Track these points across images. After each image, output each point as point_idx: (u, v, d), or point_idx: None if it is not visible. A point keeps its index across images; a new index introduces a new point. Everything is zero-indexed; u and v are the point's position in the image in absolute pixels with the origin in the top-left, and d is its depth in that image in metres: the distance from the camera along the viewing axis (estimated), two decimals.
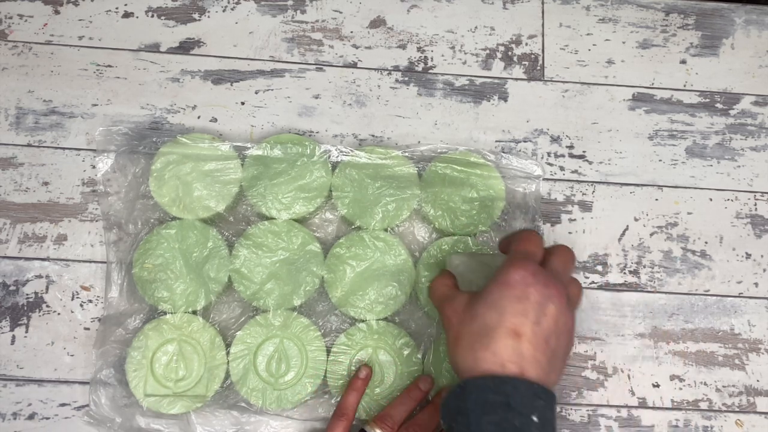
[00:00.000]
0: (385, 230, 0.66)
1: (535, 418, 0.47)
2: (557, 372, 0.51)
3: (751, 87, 0.75)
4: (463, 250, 0.65)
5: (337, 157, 0.67)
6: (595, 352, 0.67)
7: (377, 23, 0.74)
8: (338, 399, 0.62)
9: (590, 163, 0.72)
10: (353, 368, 0.63)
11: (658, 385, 0.67)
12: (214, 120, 0.70)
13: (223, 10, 0.73)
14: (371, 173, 0.67)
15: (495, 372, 0.48)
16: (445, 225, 0.66)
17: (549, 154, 0.71)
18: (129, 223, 0.65)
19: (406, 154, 0.68)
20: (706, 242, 0.70)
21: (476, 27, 0.74)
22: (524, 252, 0.53)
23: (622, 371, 0.67)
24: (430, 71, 0.73)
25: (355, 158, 0.67)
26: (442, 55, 0.74)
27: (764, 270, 0.70)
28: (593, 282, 0.69)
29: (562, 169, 0.71)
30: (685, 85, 0.74)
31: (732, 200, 0.72)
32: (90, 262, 0.66)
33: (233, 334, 0.64)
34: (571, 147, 0.72)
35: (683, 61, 0.75)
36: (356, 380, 0.61)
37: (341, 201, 0.66)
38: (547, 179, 0.71)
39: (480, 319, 0.50)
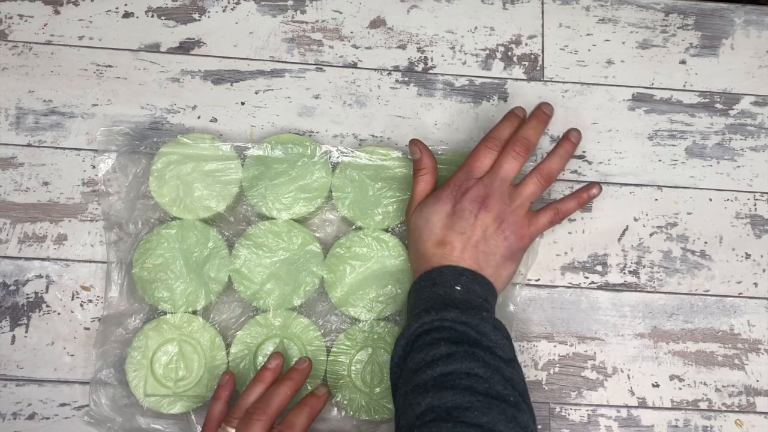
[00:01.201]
0: (385, 230, 0.66)
1: (458, 287, 0.57)
2: (495, 268, 0.59)
3: (751, 87, 0.75)
4: None
5: (338, 158, 0.67)
6: (595, 352, 0.67)
7: (377, 23, 0.74)
8: (338, 399, 0.62)
9: (590, 163, 0.72)
10: (353, 368, 0.63)
11: (657, 385, 0.67)
12: (214, 120, 0.70)
13: (223, 10, 0.73)
14: (372, 174, 0.67)
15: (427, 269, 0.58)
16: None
17: None
18: (129, 222, 0.65)
19: (408, 156, 0.68)
20: (705, 242, 0.70)
21: (476, 27, 0.75)
22: (467, 168, 0.61)
23: (622, 371, 0.67)
24: (430, 71, 0.73)
25: (356, 159, 0.67)
26: (442, 56, 0.74)
27: (764, 270, 0.70)
28: (593, 282, 0.69)
29: None
30: (684, 86, 0.74)
31: (732, 200, 0.72)
32: (90, 262, 0.66)
33: (233, 334, 0.64)
34: None
35: (683, 62, 0.75)
36: (218, 389, 0.59)
37: (341, 202, 0.66)
38: None
39: (417, 232, 0.60)
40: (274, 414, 0.56)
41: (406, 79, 0.73)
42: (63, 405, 0.63)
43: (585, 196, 0.64)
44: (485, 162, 0.61)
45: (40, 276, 0.66)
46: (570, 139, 0.64)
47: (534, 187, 0.61)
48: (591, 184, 0.64)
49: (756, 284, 0.70)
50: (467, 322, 0.54)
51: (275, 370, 0.59)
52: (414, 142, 0.63)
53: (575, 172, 0.71)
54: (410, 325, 0.56)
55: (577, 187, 0.71)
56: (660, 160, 0.72)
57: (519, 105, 0.66)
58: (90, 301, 0.65)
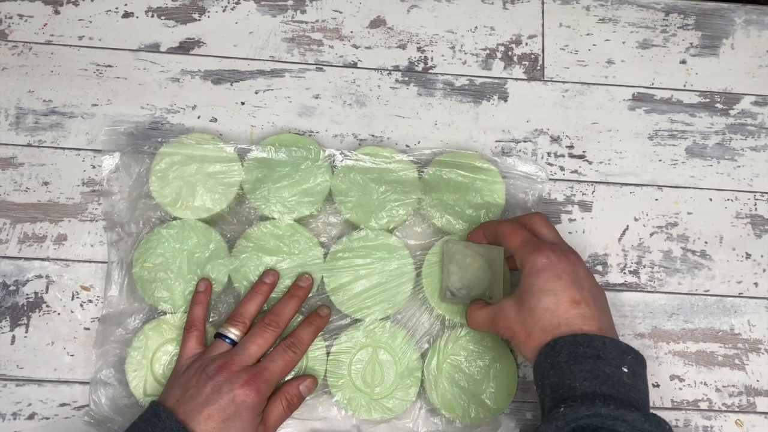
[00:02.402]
0: (386, 230, 0.66)
1: (625, 369, 0.51)
2: (610, 318, 0.56)
3: (751, 87, 0.75)
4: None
5: (342, 161, 0.67)
6: None
7: (377, 23, 0.74)
8: (338, 399, 0.62)
9: (590, 163, 0.72)
10: (353, 368, 0.63)
11: (658, 385, 0.67)
12: (214, 120, 0.70)
13: (223, 10, 0.73)
14: (376, 177, 0.66)
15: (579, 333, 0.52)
16: (450, 228, 0.66)
17: (549, 154, 0.71)
18: (131, 222, 0.65)
19: (411, 157, 0.68)
20: (706, 242, 0.70)
21: (476, 27, 0.75)
22: (524, 240, 0.57)
23: None
24: (430, 71, 0.73)
25: (360, 162, 0.67)
26: (442, 55, 0.74)
27: (764, 270, 0.70)
28: None
29: (562, 169, 0.71)
30: (685, 85, 0.74)
31: (732, 200, 0.72)
32: (90, 262, 0.66)
33: None
34: (571, 147, 0.72)
35: (683, 61, 0.75)
36: (197, 294, 0.62)
37: (345, 205, 0.66)
38: (548, 180, 0.71)
39: (539, 308, 0.54)
40: (284, 325, 0.60)
41: (406, 78, 0.73)
42: (63, 405, 0.63)
43: None
44: (524, 231, 0.59)
45: (40, 276, 0.66)
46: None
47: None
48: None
49: (756, 284, 0.70)
50: (649, 430, 0.48)
51: (272, 284, 0.62)
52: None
53: (575, 172, 0.71)
54: (575, 406, 0.48)
55: (577, 187, 0.71)
56: (660, 160, 0.72)
57: None
58: (90, 301, 0.65)
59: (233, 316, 0.60)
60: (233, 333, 0.59)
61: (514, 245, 0.58)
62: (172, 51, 0.72)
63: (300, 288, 0.63)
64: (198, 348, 0.60)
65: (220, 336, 0.60)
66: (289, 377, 0.62)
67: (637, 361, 0.52)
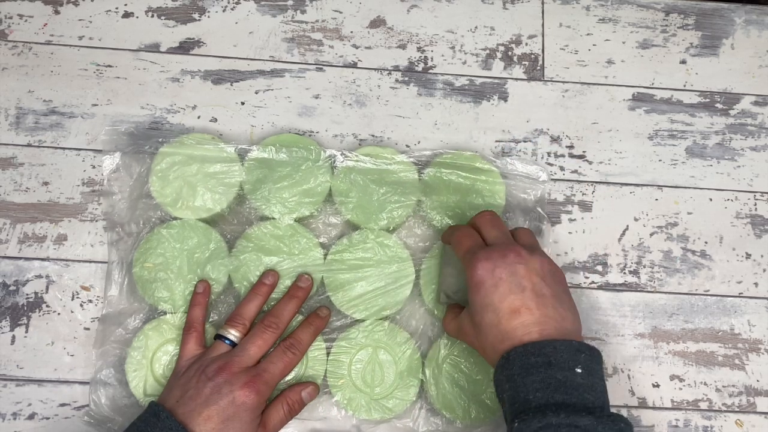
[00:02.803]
0: (386, 230, 0.66)
1: (578, 369, 0.50)
2: (570, 310, 0.54)
3: (751, 87, 0.75)
4: None
5: (342, 162, 0.67)
6: None
7: (377, 23, 0.74)
8: (338, 399, 0.62)
9: (590, 163, 0.72)
10: (353, 368, 0.63)
11: (658, 385, 0.67)
12: (214, 120, 0.70)
13: (223, 10, 0.73)
14: (376, 179, 0.66)
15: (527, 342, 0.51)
16: None
17: (549, 154, 0.71)
18: (131, 222, 0.65)
19: (412, 159, 0.68)
20: (706, 242, 0.70)
21: (476, 27, 0.75)
22: (467, 249, 0.56)
23: (622, 371, 0.67)
24: (430, 71, 0.73)
25: (360, 163, 0.67)
26: (442, 55, 0.74)
27: (764, 270, 0.70)
28: (593, 282, 0.69)
29: (562, 169, 0.71)
30: (685, 85, 0.74)
31: (732, 200, 0.72)
32: (90, 262, 0.66)
33: None
34: (571, 147, 0.72)
35: (683, 61, 0.75)
36: (195, 295, 0.62)
37: (345, 206, 0.66)
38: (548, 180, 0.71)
39: (484, 325, 0.53)
40: (284, 326, 0.60)
41: (406, 78, 0.73)
42: (63, 405, 0.63)
43: None
44: (473, 237, 0.58)
45: (40, 276, 0.66)
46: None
47: (526, 232, 0.60)
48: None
49: (756, 284, 0.70)
50: None
51: (272, 284, 0.62)
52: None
53: (575, 172, 0.71)
54: (528, 420, 0.48)
55: (577, 187, 0.71)
56: (660, 160, 0.72)
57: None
58: (90, 301, 0.65)
59: (233, 317, 0.60)
60: (233, 334, 0.59)
61: (460, 254, 0.57)
62: (172, 51, 0.72)
63: (299, 289, 0.63)
64: (198, 349, 0.60)
65: (219, 337, 0.60)
66: (289, 377, 0.62)
67: (592, 358, 0.51)
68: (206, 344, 0.61)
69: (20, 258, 0.66)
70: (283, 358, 0.59)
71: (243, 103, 0.71)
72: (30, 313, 0.65)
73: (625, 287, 0.69)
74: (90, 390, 0.62)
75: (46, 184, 0.68)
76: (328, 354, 0.63)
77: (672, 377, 0.67)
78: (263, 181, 0.66)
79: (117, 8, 0.72)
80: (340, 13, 0.74)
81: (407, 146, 0.71)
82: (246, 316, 0.60)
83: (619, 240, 0.70)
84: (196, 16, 0.73)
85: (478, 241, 0.57)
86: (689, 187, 0.72)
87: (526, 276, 0.53)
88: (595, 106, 0.73)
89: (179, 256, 0.64)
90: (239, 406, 0.55)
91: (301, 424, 0.63)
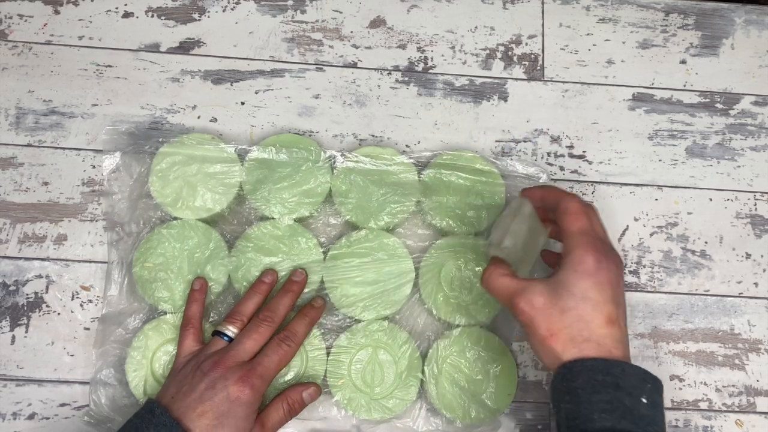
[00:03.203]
0: (386, 230, 0.66)
1: (644, 399, 0.49)
2: (627, 336, 0.53)
3: (751, 87, 0.75)
4: (462, 250, 0.65)
5: (343, 162, 0.67)
6: None
7: (377, 23, 0.74)
8: (338, 399, 0.62)
9: (590, 163, 0.72)
10: (353, 368, 0.63)
11: None
12: (214, 120, 0.70)
13: (223, 10, 0.73)
14: (376, 179, 0.66)
15: (601, 356, 0.50)
16: (450, 230, 0.66)
17: (549, 154, 0.71)
18: (131, 222, 0.65)
19: (412, 159, 0.68)
20: (706, 242, 0.70)
21: (476, 27, 0.75)
22: (583, 229, 0.53)
23: None
24: (430, 71, 0.73)
25: (360, 164, 0.67)
26: (442, 55, 0.74)
27: (764, 270, 0.70)
28: None
29: (562, 169, 0.71)
30: (685, 85, 0.74)
31: (732, 200, 0.72)
32: (90, 262, 0.66)
33: None
34: (571, 147, 0.72)
35: (683, 61, 0.75)
36: (193, 292, 0.62)
37: (345, 206, 0.66)
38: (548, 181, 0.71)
39: (573, 313, 0.51)
40: (280, 320, 0.60)
41: (406, 78, 0.73)
42: (63, 405, 0.63)
43: None
44: (591, 217, 0.56)
45: (40, 276, 0.66)
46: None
47: None
48: None
49: (756, 284, 0.70)
50: None
51: (271, 283, 0.63)
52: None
53: (575, 172, 0.71)
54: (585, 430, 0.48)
55: (577, 187, 0.71)
56: (660, 160, 0.72)
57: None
58: (90, 301, 0.65)
59: (231, 314, 0.60)
60: (231, 330, 0.59)
61: (572, 229, 0.54)
62: (172, 51, 0.72)
63: (294, 283, 0.63)
64: (195, 345, 0.60)
65: (217, 333, 0.60)
66: (289, 377, 0.62)
67: (656, 389, 0.50)
68: (204, 341, 0.61)
69: (20, 258, 0.66)
70: (278, 350, 0.58)
71: (243, 103, 0.71)
72: (30, 313, 0.65)
73: (625, 287, 0.69)
74: (90, 390, 0.62)
75: (46, 184, 0.68)
76: (328, 354, 0.63)
77: (672, 377, 0.67)
78: (263, 181, 0.66)
79: (117, 8, 0.72)
80: (340, 13, 0.74)
81: (407, 146, 0.71)
82: (244, 313, 0.60)
83: (619, 240, 0.70)
84: (196, 16, 0.73)
85: (591, 226, 0.54)
86: (689, 187, 0.72)
87: (622, 294, 0.53)
88: (595, 106, 0.73)
89: (179, 256, 0.64)
90: (234, 402, 0.55)
91: (301, 424, 0.63)
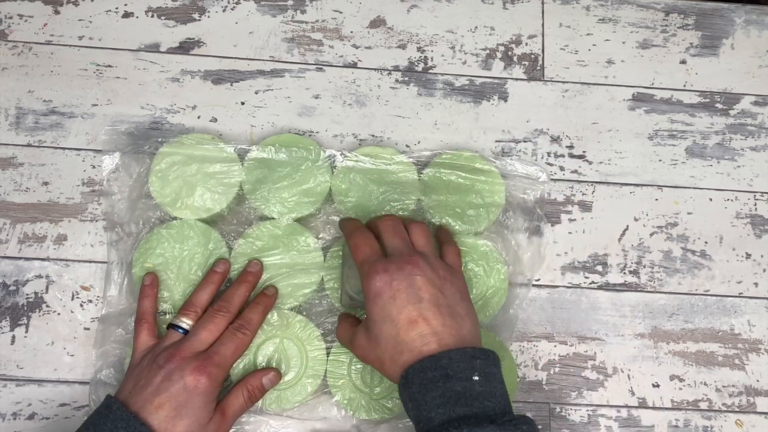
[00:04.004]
0: None
1: (476, 377, 0.50)
2: (468, 318, 0.54)
3: (751, 87, 0.75)
4: (462, 250, 0.65)
5: (342, 162, 0.67)
6: (595, 352, 0.67)
7: (377, 23, 0.74)
8: (338, 399, 0.62)
9: (590, 163, 0.72)
10: (353, 368, 0.63)
11: (658, 385, 0.67)
12: (214, 120, 0.70)
13: (223, 10, 0.73)
14: (375, 178, 0.66)
15: (426, 355, 0.51)
16: (449, 229, 0.66)
17: (549, 154, 0.71)
18: (131, 222, 0.65)
19: (411, 159, 0.68)
20: (706, 242, 0.70)
21: (476, 27, 0.75)
22: (364, 258, 0.56)
23: (622, 371, 0.67)
24: (430, 71, 0.73)
25: (359, 163, 0.67)
26: (442, 55, 0.74)
27: (764, 270, 0.70)
28: (593, 282, 0.69)
29: (562, 169, 0.71)
30: (685, 85, 0.74)
31: (732, 200, 0.72)
32: (90, 262, 0.66)
33: None
34: (571, 147, 0.72)
35: (683, 61, 0.75)
36: (144, 288, 0.62)
37: (344, 206, 0.66)
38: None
39: (382, 338, 0.53)
40: (235, 310, 0.60)
41: (406, 78, 0.73)
42: (63, 405, 0.63)
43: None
44: (373, 244, 0.57)
45: (40, 276, 0.66)
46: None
47: (422, 232, 0.58)
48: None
49: (756, 284, 0.70)
50: None
51: (223, 273, 0.63)
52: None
53: (575, 172, 0.71)
54: None
55: (577, 187, 0.71)
56: (660, 160, 0.72)
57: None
58: (90, 301, 0.65)
59: (185, 306, 0.61)
60: (185, 322, 0.59)
61: (357, 262, 0.56)
62: (172, 51, 0.72)
63: (250, 273, 0.63)
64: (151, 340, 0.60)
65: (172, 326, 0.60)
66: (289, 377, 0.62)
67: (488, 362, 0.51)
68: (160, 335, 0.61)
69: (20, 258, 0.66)
70: (234, 339, 0.59)
71: (243, 103, 0.71)
72: (30, 313, 0.65)
73: (625, 287, 0.69)
74: (90, 390, 0.62)
75: (46, 184, 0.68)
76: (328, 354, 0.63)
77: (672, 377, 0.67)
78: (263, 181, 0.66)
79: (117, 8, 0.72)
80: (340, 13, 0.74)
81: (407, 146, 0.71)
82: (198, 304, 0.60)
83: (619, 240, 0.70)
84: (196, 16, 0.73)
85: (375, 248, 0.57)
86: (689, 187, 0.72)
87: (423, 287, 0.53)
88: (595, 106, 0.73)
89: (179, 256, 0.64)
90: (191, 392, 0.55)
91: (301, 424, 0.63)
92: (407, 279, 0.53)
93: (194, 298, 0.61)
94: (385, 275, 0.54)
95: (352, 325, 0.58)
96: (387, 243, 0.57)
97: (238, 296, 0.61)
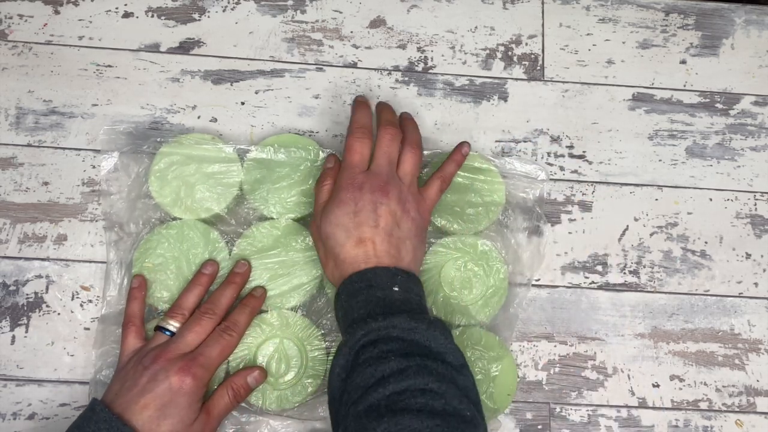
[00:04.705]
0: None
1: (396, 288, 0.55)
2: (412, 251, 0.58)
3: (751, 87, 0.75)
4: (462, 250, 0.65)
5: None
6: (595, 352, 0.67)
7: (377, 23, 0.74)
8: None
9: (590, 163, 0.72)
10: None
11: (658, 385, 0.67)
12: (214, 120, 0.70)
13: (223, 10, 0.73)
14: None
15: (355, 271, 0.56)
16: (449, 228, 0.66)
17: (549, 154, 0.71)
18: (130, 222, 0.65)
19: None
20: (706, 242, 0.70)
21: (476, 27, 0.75)
22: (350, 164, 0.60)
23: (622, 371, 0.67)
24: (430, 71, 0.73)
25: None
26: (442, 55, 0.74)
27: (764, 270, 0.70)
28: (593, 282, 0.69)
29: (562, 169, 0.71)
30: (685, 85, 0.74)
31: (732, 200, 0.72)
32: (90, 262, 0.66)
33: None
34: (571, 147, 0.72)
35: (683, 61, 0.75)
36: (132, 290, 0.62)
37: None
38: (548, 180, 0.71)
39: (332, 239, 0.58)
40: (222, 313, 0.61)
41: (406, 78, 0.73)
42: (63, 405, 0.63)
43: (460, 156, 0.64)
44: (364, 152, 0.61)
45: (40, 276, 0.66)
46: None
47: (412, 159, 0.61)
48: (461, 144, 0.65)
49: (756, 284, 0.70)
50: (415, 329, 0.52)
51: (211, 275, 0.63)
52: (330, 157, 0.64)
53: (575, 172, 0.71)
54: (353, 331, 0.53)
55: (577, 187, 0.71)
56: (660, 160, 0.72)
57: (361, 94, 0.69)
58: (90, 301, 0.65)
59: (172, 308, 0.61)
60: (172, 325, 0.60)
61: (343, 163, 0.60)
62: (172, 51, 0.72)
63: (237, 275, 0.63)
64: (138, 342, 0.60)
65: (159, 329, 0.60)
66: (289, 377, 0.62)
67: (409, 279, 0.56)
68: (147, 338, 0.61)
69: (20, 258, 0.66)
70: (220, 340, 0.59)
71: (243, 103, 0.71)
72: (30, 313, 0.65)
73: (625, 287, 0.69)
74: (90, 390, 0.62)
75: (46, 184, 0.68)
76: (328, 354, 0.63)
77: (672, 377, 0.67)
78: (261, 181, 0.66)
79: (117, 8, 0.72)
80: (340, 13, 0.74)
81: None
82: (185, 306, 0.61)
83: (619, 240, 0.70)
84: (196, 16, 0.73)
85: (365, 158, 0.60)
86: (689, 187, 0.72)
87: (383, 215, 0.57)
88: (595, 106, 0.73)
89: (179, 256, 0.64)
90: (176, 392, 0.55)
91: (301, 424, 0.63)
92: (373, 203, 0.57)
93: (181, 300, 0.61)
94: (357, 192, 0.58)
95: (329, 192, 0.61)
96: (376, 155, 0.60)
97: (225, 298, 0.61)
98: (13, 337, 0.64)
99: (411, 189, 0.60)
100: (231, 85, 0.71)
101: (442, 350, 0.53)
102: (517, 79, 0.73)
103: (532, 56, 0.74)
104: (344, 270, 0.57)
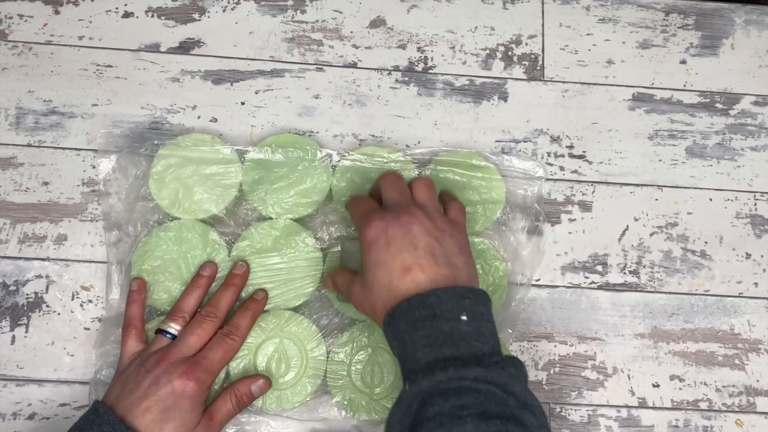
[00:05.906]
0: None
1: (464, 317, 0.49)
2: (464, 267, 0.53)
3: (751, 87, 0.75)
4: None
5: (339, 161, 0.67)
6: (595, 352, 0.67)
7: (377, 23, 0.74)
8: (339, 399, 0.62)
9: (590, 163, 0.72)
10: (353, 368, 0.63)
11: (658, 385, 0.67)
12: (214, 120, 0.70)
13: (223, 10, 0.73)
14: (374, 178, 0.66)
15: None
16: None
17: (549, 154, 0.71)
18: (129, 224, 0.65)
19: (408, 156, 0.68)
20: (706, 242, 0.70)
21: (476, 27, 0.75)
22: (362, 213, 0.57)
23: (622, 371, 0.67)
24: (430, 71, 0.73)
25: (357, 162, 0.67)
26: (442, 55, 0.74)
27: (764, 270, 0.70)
28: (593, 282, 0.69)
29: (562, 169, 0.71)
30: (685, 85, 0.74)
31: (732, 200, 0.72)
32: (90, 262, 0.66)
33: None
34: (571, 147, 0.72)
35: (683, 61, 0.75)
36: (131, 293, 0.62)
37: (342, 206, 0.66)
38: (547, 179, 0.71)
39: (376, 284, 0.53)
40: (223, 315, 0.60)
41: (406, 78, 0.73)
42: (63, 405, 0.63)
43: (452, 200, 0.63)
44: (368, 201, 0.59)
45: (40, 276, 0.66)
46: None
47: (424, 185, 0.58)
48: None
49: (756, 284, 0.70)
50: (494, 381, 0.47)
51: (210, 276, 0.62)
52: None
53: (575, 172, 0.71)
54: (418, 380, 0.48)
55: (577, 187, 0.71)
56: (660, 160, 0.72)
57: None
58: (90, 301, 0.65)
59: (173, 311, 0.60)
60: (173, 328, 0.59)
61: (355, 220, 0.58)
62: (172, 51, 0.72)
63: (236, 276, 0.62)
64: (138, 345, 0.60)
65: (160, 332, 0.60)
66: (289, 377, 0.62)
67: (477, 301, 0.51)
68: (147, 340, 0.61)
69: (20, 258, 0.66)
70: (223, 344, 0.59)
71: (243, 103, 0.71)
72: (30, 313, 0.65)
73: (625, 287, 0.69)
74: (90, 390, 0.62)
75: (46, 184, 0.68)
76: (328, 354, 0.63)
77: (672, 377, 0.67)
78: (260, 181, 0.66)
79: (117, 8, 0.72)
80: (340, 13, 0.74)
81: (407, 146, 0.71)
82: (185, 309, 0.60)
83: (619, 240, 0.70)
84: (196, 16, 0.73)
85: (374, 205, 0.58)
86: (689, 187, 0.72)
87: (419, 236, 0.53)
88: (595, 106, 0.73)
89: (177, 258, 0.64)
90: (179, 395, 0.55)
91: (301, 424, 0.63)
92: (403, 227, 0.53)
93: (181, 303, 0.61)
94: (381, 223, 0.54)
95: (351, 274, 0.58)
96: (385, 196, 0.58)
97: (225, 300, 0.61)
98: (13, 337, 0.64)
99: (436, 210, 0.57)
100: (231, 85, 0.71)
101: (523, 407, 0.47)
102: (517, 79, 0.73)
103: (532, 56, 0.74)
104: (390, 302, 0.52)
